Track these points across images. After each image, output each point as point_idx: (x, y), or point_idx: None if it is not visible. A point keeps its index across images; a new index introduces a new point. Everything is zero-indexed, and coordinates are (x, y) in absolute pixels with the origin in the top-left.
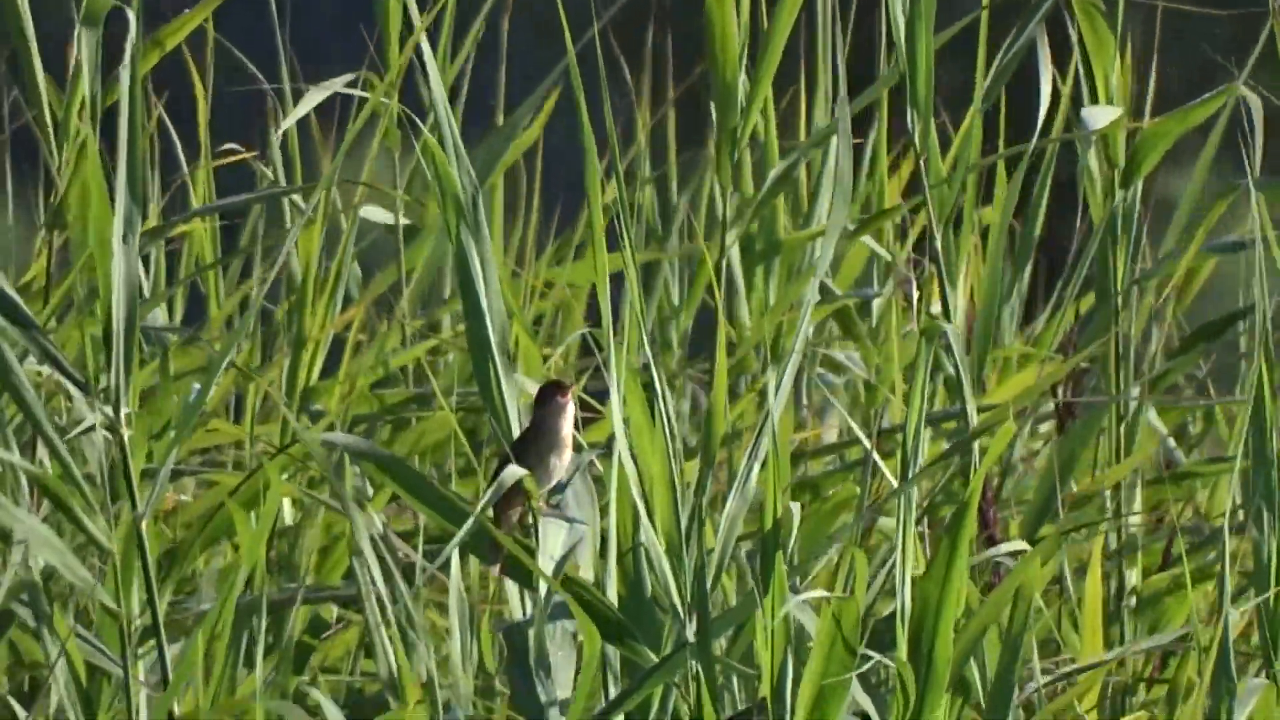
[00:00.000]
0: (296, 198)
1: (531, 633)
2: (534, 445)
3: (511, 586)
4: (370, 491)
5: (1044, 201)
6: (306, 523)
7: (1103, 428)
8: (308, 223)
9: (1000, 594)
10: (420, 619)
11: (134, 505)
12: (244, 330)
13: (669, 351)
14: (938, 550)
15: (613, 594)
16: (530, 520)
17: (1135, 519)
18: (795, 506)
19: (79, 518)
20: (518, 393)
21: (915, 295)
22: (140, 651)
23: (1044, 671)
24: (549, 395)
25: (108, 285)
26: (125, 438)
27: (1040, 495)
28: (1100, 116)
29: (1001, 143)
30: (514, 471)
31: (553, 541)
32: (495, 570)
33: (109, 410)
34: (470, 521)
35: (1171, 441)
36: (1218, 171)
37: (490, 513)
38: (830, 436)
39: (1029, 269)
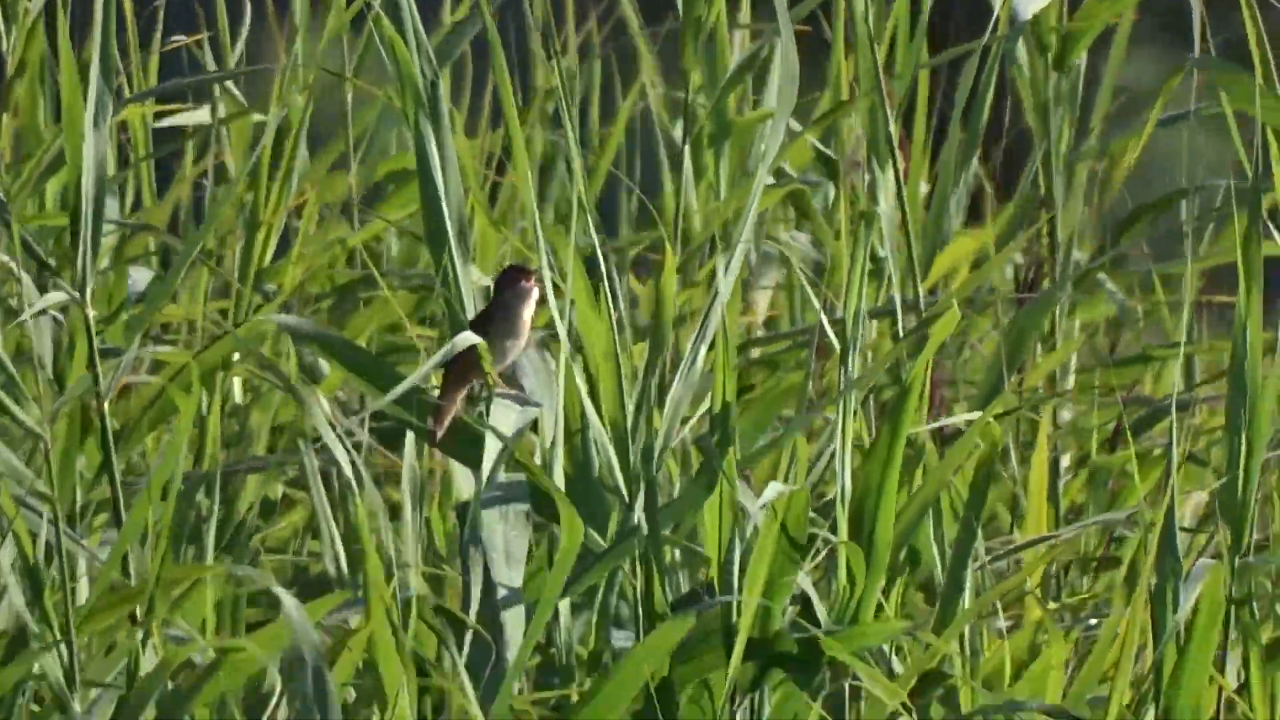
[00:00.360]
0: (231, 86)
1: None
2: (491, 327)
3: (460, 468)
4: (326, 372)
5: (990, 91)
6: (257, 404)
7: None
8: (240, 113)
9: (947, 463)
10: (368, 497)
11: (96, 384)
12: (211, 223)
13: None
14: (880, 433)
15: (559, 476)
16: (482, 397)
17: (1075, 401)
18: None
19: (8, 407)
20: (473, 283)
21: (866, 181)
22: (90, 527)
23: (987, 551)
24: (512, 280)
25: (77, 165)
26: (89, 317)
27: (989, 378)
28: (1031, 3)
29: (928, 33)
30: (467, 337)
31: (503, 421)
32: (435, 442)
33: (74, 291)
34: (408, 384)
35: (1127, 302)
36: (1150, 55)
37: (438, 391)
38: (761, 313)
39: (975, 159)
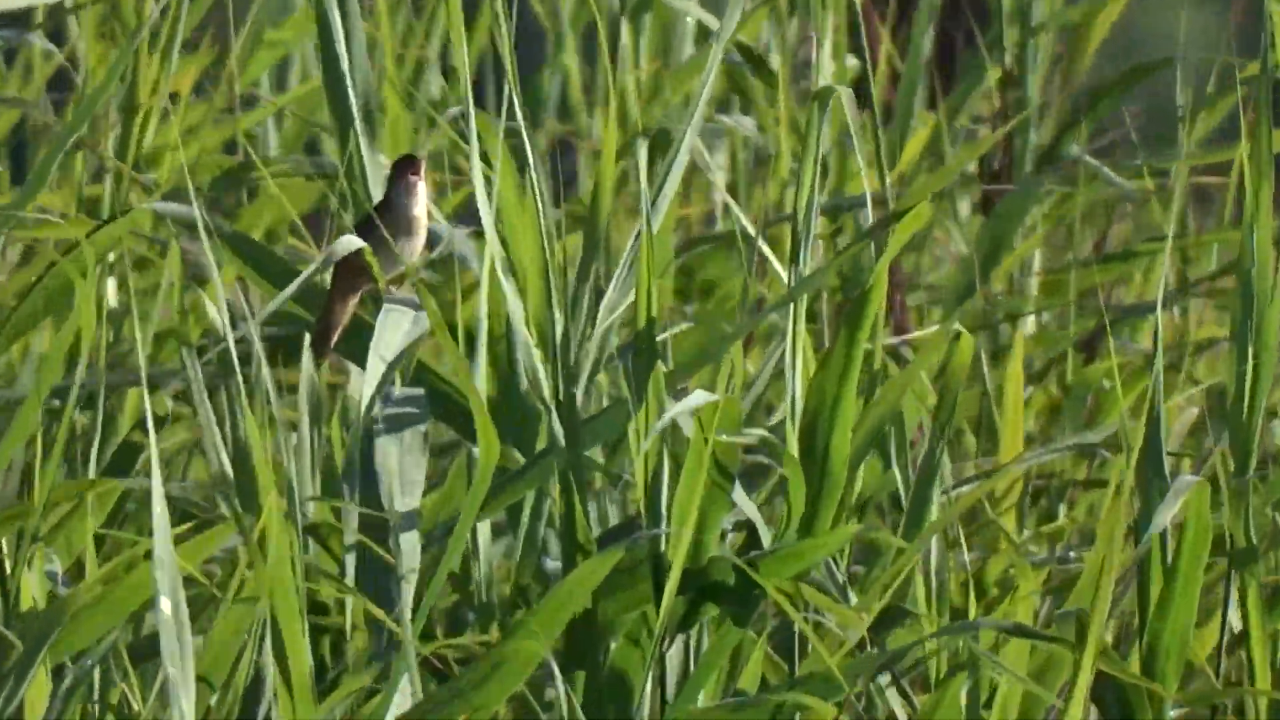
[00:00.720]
0: None
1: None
2: (380, 226)
3: (357, 377)
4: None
5: None
6: (142, 305)
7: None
8: None
9: (909, 371)
10: (260, 408)
11: None
12: (94, 104)
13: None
14: (835, 341)
15: (483, 390)
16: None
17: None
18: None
19: None
20: (380, 168)
21: (814, 58)
22: None
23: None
24: (401, 172)
25: None
26: None
27: (962, 278)
28: None
29: None
30: (349, 241)
31: (393, 329)
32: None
33: None
34: (299, 281)
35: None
36: None
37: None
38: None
39: (930, 33)
